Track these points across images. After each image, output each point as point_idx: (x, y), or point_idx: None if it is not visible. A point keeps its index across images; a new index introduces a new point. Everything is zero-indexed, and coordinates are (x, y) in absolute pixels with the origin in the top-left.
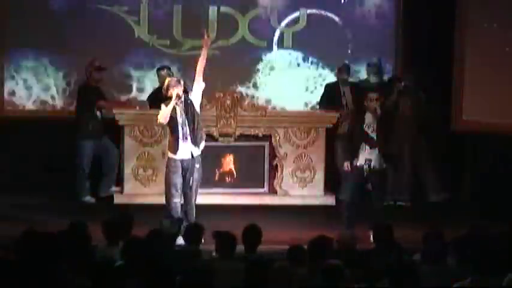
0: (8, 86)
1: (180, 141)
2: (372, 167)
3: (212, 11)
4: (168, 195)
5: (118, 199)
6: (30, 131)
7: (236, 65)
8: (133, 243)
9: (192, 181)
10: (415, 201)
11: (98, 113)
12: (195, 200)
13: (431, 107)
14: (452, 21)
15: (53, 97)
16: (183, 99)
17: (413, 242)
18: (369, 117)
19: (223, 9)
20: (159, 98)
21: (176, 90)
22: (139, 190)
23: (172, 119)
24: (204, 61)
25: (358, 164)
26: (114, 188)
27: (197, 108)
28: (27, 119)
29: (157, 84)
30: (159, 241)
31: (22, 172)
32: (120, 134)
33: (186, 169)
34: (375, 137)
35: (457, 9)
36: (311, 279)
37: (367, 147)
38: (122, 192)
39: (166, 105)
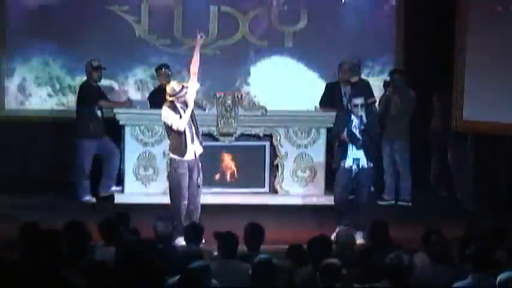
0: (8, 85)
1: (188, 143)
2: (360, 166)
3: (212, 10)
4: (177, 196)
5: (118, 199)
6: (31, 130)
7: (236, 65)
8: (126, 244)
9: (200, 180)
10: (415, 201)
11: (99, 113)
12: (199, 200)
13: (428, 106)
14: (452, 20)
15: (53, 97)
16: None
17: (413, 242)
18: (355, 120)
19: (223, 8)
20: (159, 97)
21: (191, 98)
22: (140, 190)
23: None
24: (198, 61)
25: (346, 164)
26: (114, 188)
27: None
28: (27, 118)
29: (157, 84)
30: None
31: (22, 172)
32: (120, 134)
33: (192, 169)
34: (361, 138)
35: (458, 9)
36: (311, 278)
37: (354, 148)
38: (122, 192)
39: (172, 109)
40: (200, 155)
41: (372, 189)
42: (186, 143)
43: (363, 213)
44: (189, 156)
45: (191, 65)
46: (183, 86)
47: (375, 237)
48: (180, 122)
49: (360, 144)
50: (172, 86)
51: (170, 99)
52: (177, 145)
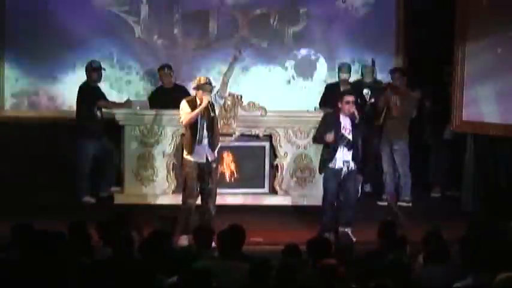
0: (8, 86)
1: (196, 143)
2: (350, 168)
3: (212, 11)
4: (185, 194)
5: (118, 199)
6: (30, 130)
7: (236, 65)
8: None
9: (212, 182)
10: (415, 201)
11: (98, 113)
12: (214, 202)
13: (430, 106)
14: (452, 20)
15: (52, 97)
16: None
17: (413, 242)
18: (344, 119)
19: (223, 9)
20: (159, 97)
21: (208, 98)
22: (140, 190)
23: (194, 121)
24: (230, 72)
25: (336, 166)
26: (114, 188)
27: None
28: (27, 118)
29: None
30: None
31: (22, 172)
32: (120, 134)
33: (203, 171)
34: (351, 139)
35: (458, 9)
36: (309, 279)
37: (345, 149)
38: (122, 192)
39: (189, 104)
40: (214, 160)
41: (370, 189)
42: (193, 141)
43: (352, 211)
44: (199, 158)
45: (224, 76)
46: (207, 82)
47: (385, 236)
48: (187, 116)
49: (350, 146)
50: (199, 77)
51: (193, 90)
52: (187, 143)
